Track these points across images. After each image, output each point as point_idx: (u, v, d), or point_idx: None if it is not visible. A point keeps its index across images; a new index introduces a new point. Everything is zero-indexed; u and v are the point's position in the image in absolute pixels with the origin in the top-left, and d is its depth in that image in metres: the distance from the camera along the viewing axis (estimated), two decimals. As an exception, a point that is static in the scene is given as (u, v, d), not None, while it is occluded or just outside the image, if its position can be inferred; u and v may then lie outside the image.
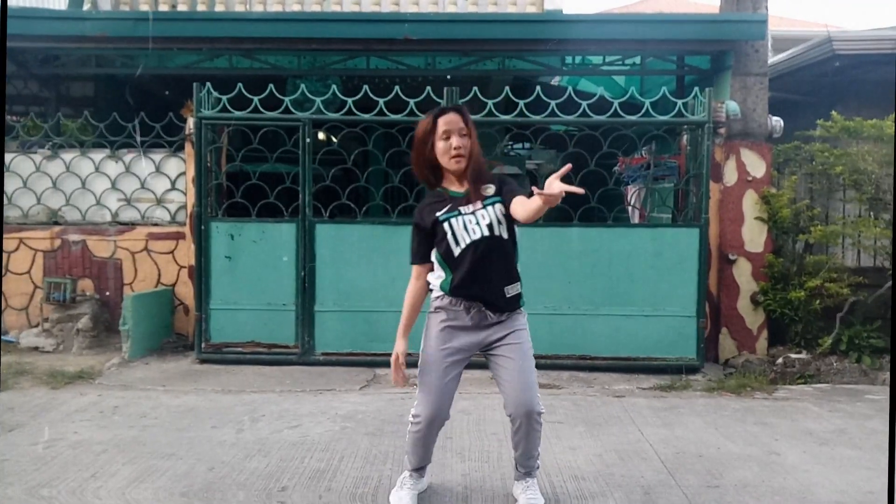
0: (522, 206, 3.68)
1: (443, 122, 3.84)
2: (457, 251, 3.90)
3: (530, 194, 3.62)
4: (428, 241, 4.01)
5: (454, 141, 3.82)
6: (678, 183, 8.46)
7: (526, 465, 4.23)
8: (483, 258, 3.89)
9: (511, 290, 3.98)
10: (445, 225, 3.89)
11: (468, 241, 3.88)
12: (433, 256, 4.06)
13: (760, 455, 5.29)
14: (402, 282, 7.86)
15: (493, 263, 3.92)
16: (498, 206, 3.91)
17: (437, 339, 4.04)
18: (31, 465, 4.88)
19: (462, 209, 3.90)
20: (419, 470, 4.35)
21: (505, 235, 3.93)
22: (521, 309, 4.10)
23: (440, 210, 3.94)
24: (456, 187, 3.99)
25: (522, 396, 3.94)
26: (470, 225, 3.88)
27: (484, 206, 3.90)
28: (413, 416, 4.06)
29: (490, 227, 3.88)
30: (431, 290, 4.13)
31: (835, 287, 7.87)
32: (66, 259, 8.86)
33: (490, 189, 3.94)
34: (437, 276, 4.06)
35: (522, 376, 3.95)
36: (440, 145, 3.86)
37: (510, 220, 3.93)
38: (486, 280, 3.93)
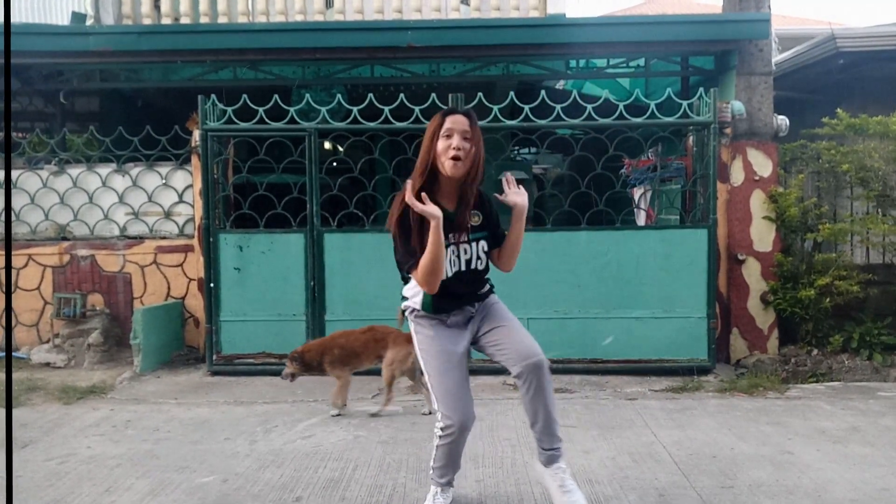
0: (507, 259, 4.03)
1: (449, 121, 3.74)
2: None
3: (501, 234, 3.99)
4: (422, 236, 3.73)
5: (455, 140, 3.70)
6: (685, 184, 8.45)
7: (550, 440, 4.02)
8: (459, 286, 3.93)
9: (482, 290, 4.08)
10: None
11: (449, 273, 3.87)
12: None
13: (774, 454, 5.27)
14: (411, 289, 7.88)
15: (466, 287, 3.98)
16: (482, 244, 3.95)
17: (432, 340, 4.00)
18: (45, 481, 4.89)
19: (450, 237, 3.84)
20: (452, 479, 4.27)
21: (481, 268, 3.99)
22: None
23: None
24: (447, 205, 3.85)
25: (526, 348, 3.90)
26: (452, 256, 3.88)
27: (469, 241, 3.91)
28: (442, 428, 3.91)
29: (469, 262, 3.93)
30: (405, 300, 4.12)
31: (844, 285, 7.85)
32: (75, 274, 8.88)
33: (476, 218, 3.92)
34: (413, 292, 4.04)
35: (519, 332, 3.99)
36: (441, 143, 3.74)
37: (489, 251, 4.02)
38: (460, 297, 3.98)
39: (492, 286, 4.15)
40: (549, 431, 4.00)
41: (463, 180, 3.81)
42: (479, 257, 3.94)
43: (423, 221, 3.68)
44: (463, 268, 3.91)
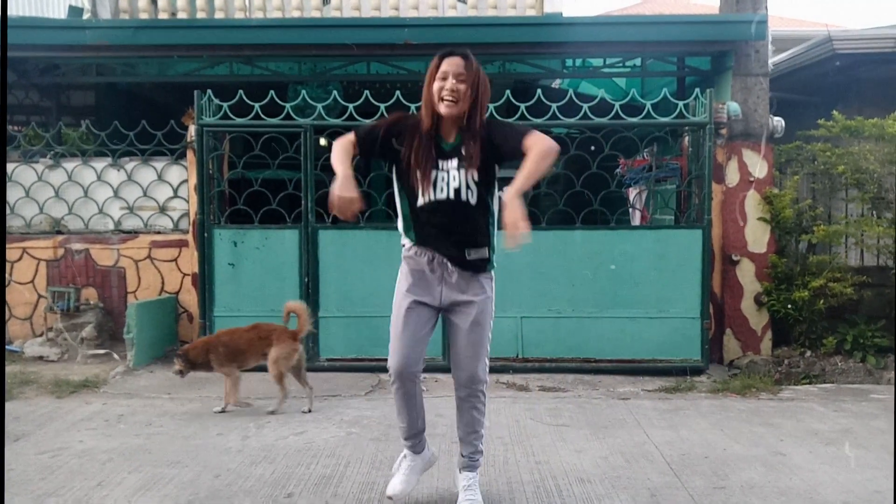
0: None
1: (445, 63, 3.80)
2: (419, 202, 3.90)
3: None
4: (386, 143, 3.96)
5: (449, 83, 3.75)
6: (680, 184, 8.47)
7: (468, 448, 4.18)
8: (443, 219, 3.90)
9: (473, 254, 3.95)
10: (419, 172, 3.86)
11: (432, 198, 3.87)
12: (399, 205, 4.06)
13: (766, 456, 5.28)
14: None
15: (453, 226, 3.91)
16: (472, 173, 3.84)
17: (402, 283, 4.10)
18: (37, 475, 4.88)
19: (440, 163, 3.86)
20: (412, 439, 4.26)
21: (473, 201, 3.88)
22: (489, 273, 4.09)
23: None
24: (447, 137, 3.92)
25: (467, 362, 3.99)
26: (440, 183, 3.86)
27: (458, 168, 3.85)
28: (389, 373, 4.05)
29: (458, 191, 3.86)
30: (401, 236, 4.11)
31: (838, 287, 7.86)
32: (69, 268, 8.87)
33: (472, 148, 3.82)
34: (401, 225, 4.08)
35: (470, 344, 3.99)
36: (435, 85, 3.80)
37: (486, 184, 3.91)
38: (446, 240, 3.93)
39: (490, 261, 4.05)
40: (468, 440, 4.19)
41: (460, 118, 3.84)
42: (468, 187, 3.85)
43: (388, 145, 3.96)
44: (452, 196, 3.86)
